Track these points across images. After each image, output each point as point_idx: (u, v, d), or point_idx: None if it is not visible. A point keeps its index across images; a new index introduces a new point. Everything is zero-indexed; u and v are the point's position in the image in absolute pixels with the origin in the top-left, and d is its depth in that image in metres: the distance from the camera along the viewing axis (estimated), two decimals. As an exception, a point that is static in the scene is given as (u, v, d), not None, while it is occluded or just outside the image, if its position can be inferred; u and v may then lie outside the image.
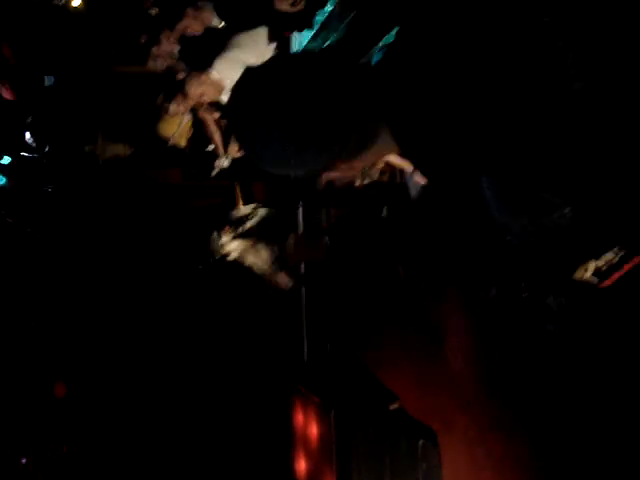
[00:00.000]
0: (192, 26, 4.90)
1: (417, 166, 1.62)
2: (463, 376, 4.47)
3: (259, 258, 4.25)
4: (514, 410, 4.01)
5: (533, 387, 3.43)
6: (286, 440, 6.20)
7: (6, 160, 6.06)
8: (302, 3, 4.15)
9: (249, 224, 4.33)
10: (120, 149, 7.01)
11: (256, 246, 4.25)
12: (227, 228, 4.28)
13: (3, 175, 6.14)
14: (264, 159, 1.48)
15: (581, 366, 2.97)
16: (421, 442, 4.95)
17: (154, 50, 5.29)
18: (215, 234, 4.22)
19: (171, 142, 6.37)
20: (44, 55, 7.51)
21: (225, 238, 4.23)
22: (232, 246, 4.23)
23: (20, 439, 6.81)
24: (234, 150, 6.20)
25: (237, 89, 1.48)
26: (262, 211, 4.45)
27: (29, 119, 6.25)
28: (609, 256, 2.00)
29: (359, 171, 4.49)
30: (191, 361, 7.34)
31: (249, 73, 1.45)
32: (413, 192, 4.14)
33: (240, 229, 4.29)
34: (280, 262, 4.24)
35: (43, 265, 7.20)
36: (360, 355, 5.81)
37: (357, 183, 4.68)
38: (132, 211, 7.52)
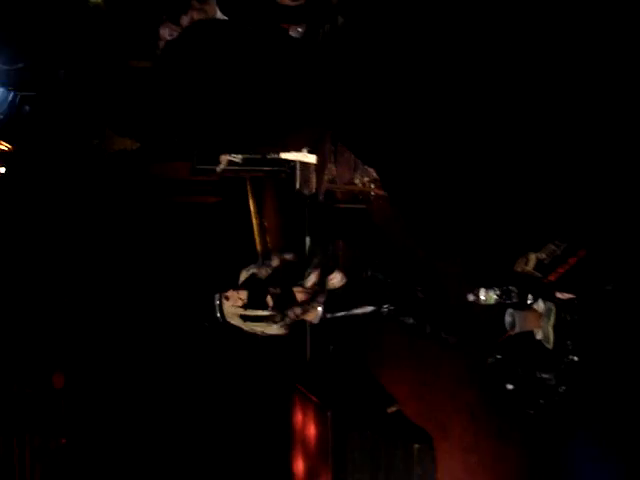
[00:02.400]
0: (196, 19, 4.89)
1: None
2: (462, 382, 4.42)
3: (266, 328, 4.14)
4: (509, 418, 3.96)
5: (531, 396, 3.37)
6: (287, 440, 6.17)
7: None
8: (303, -3, 4.13)
9: (251, 294, 4.14)
10: (127, 143, 7.00)
11: (262, 322, 4.12)
12: (230, 293, 4.09)
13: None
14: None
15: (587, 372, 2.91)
16: (417, 446, 4.91)
17: (160, 44, 5.28)
18: (217, 298, 4.05)
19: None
20: (59, 48, 7.51)
21: (228, 305, 4.06)
22: (235, 319, 4.10)
23: (19, 430, 6.81)
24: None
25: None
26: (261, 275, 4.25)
27: (27, 108, 6.24)
28: (551, 248, 1.94)
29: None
30: (193, 356, 7.31)
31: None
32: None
33: (243, 298, 4.12)
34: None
35: (44, 257, 7.20)
36: (362, 357, 5.78)
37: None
38: (137, 206, 7.52)
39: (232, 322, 4.11)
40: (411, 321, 4.26)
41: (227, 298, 4.08)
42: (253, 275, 4.22)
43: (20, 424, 6.78)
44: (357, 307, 4.30)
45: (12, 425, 6.71)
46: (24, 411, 6.83)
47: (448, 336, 4.17)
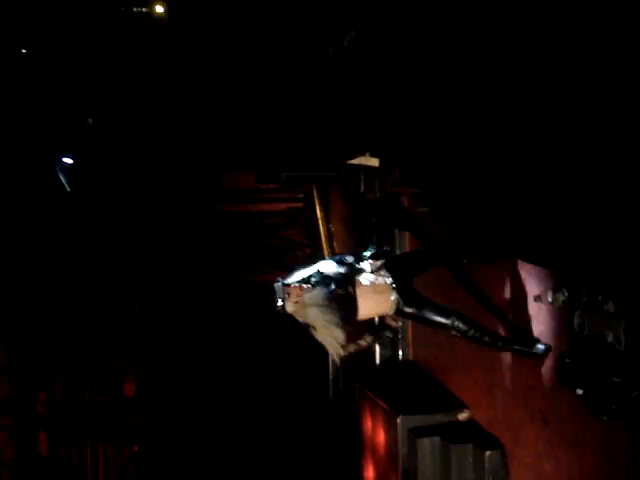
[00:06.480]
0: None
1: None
2: (534, 387, 4.28)
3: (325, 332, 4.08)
4: (583, 425, 3.80)
5: (603, 401, 3.23)
6: (356, 445, 6.12)
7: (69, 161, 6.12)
8: None
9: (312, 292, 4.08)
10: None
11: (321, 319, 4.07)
12: (292, 288, 4.06)
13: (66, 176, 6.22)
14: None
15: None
16: (489, 453, 4.78)
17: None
18: (279, 284, 4.02)
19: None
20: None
21: (288, 298, 4.03)
22: (294, 309, 4.07)
23: (92, 437, 6.94)
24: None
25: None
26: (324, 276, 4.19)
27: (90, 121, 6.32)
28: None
29: None
30: (263, 363, 7.33)
31: None
32: None
33: (305, 294, 4.07)
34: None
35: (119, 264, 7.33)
36: (432, 361, 5.68)
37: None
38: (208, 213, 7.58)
39: (298, 318, 4.07)
40: (487, 339, 4.20)
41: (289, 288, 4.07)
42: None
43: (93, 431, 6.90)
44: (432, 312, 4.22)
45: (85, 431, 6.84)
46: (97, 418, 6.95)
47: (530, 350, 4.07)
